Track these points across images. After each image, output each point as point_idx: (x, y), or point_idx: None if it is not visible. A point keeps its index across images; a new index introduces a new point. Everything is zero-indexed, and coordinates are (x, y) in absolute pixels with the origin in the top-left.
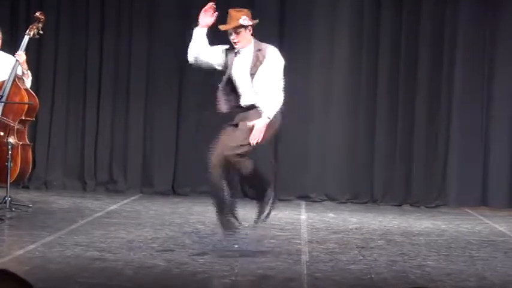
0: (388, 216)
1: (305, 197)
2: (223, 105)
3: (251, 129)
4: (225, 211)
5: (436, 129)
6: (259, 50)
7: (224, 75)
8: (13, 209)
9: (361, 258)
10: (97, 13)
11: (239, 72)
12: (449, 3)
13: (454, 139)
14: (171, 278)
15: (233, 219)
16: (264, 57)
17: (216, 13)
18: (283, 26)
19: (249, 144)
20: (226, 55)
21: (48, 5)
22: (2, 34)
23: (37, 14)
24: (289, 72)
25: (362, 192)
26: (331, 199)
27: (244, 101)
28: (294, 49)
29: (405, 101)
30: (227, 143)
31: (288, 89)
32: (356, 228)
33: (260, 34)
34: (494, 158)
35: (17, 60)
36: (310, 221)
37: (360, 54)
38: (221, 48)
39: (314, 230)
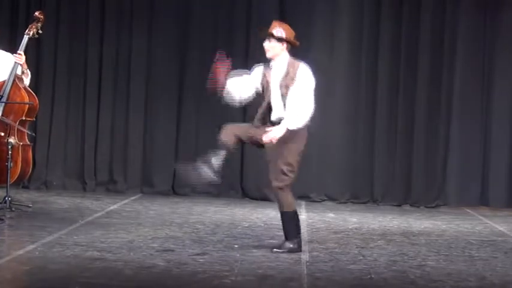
0: (388, 216)
1: (305, 197)
2: (256, 120)
3: (292, 152)
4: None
5: (436, 129)
6: (292, 66)
7: (264, 91)
8: (13, 209)
9: (361, 258)
10: (97, 13)
11: (273, 85)
12: (449, 4)
13: (454, 139)
14: (171, 278)
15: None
16: (295, 74)
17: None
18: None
19: (293, 171)
20: (264, 72)
21: (48, 5)
22: None
23: (36, 13)
24: None
25: (362, 192)
26: (331, 199)
27: (274, 115)
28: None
29: (405, 101)
30: (275, 164)
31: None
32: (356, 228)
33: (259, 39)
34: (494, 158)
35: (15, 62)
36: (310, 221)
37: (360, 55)
38: (258, 69)
39: (314, 230)
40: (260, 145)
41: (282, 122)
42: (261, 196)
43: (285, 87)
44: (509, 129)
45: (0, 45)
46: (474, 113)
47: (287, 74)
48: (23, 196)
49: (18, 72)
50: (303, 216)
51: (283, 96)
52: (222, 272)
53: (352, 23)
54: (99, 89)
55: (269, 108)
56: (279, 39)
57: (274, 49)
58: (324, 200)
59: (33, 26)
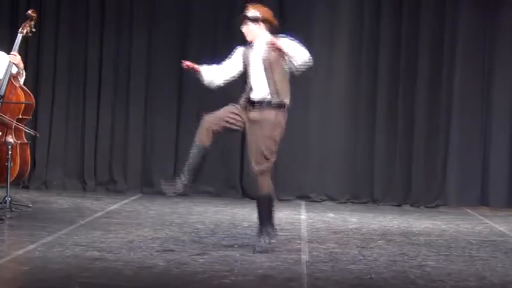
0: (388, 216)
1: (305, 197)
2: (241, 100)
3: (274, 138)
4: (190, 169)
5: (436, 129)
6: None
7: (246, 72)
8: (13, 209)
9: (361, 258)
10: (97, 13)
11: (254, 63)
12: (449, 3)
13: (454, 139)
14: (171, 278)
15: (180, 181)
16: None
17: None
18: (283, 26)
19: (273, 156)
20: (244, 54)
21: (49, 5)
22: None
23: (29, 12)
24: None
25: (362, 192)
26: (331, 199)
27: (255, 95)
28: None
29: (405, 101)
30: (256, 147)
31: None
32: (356, 228)
33: None
34: (494, 158)
35: (10, 61)
36: (310, 221)
37: (360, 55)
38: (239, 50)
39: (314, 230)
40: (235, 130)
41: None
42: None
43: (267, 59)
44: (509, 129)
45: (0, 45)
46: (474, 113)
47: (268, 50)
48: (23, 196)
49: (13, 71)
50: (303, 216)
51: (267, 70)
52: (222, 272)
53: (352, 23)
54: (99, 89)
55: (251, 89)
56: (255, 20)
57: (252, 31)
58: (324, 200)
59: (27, 25)
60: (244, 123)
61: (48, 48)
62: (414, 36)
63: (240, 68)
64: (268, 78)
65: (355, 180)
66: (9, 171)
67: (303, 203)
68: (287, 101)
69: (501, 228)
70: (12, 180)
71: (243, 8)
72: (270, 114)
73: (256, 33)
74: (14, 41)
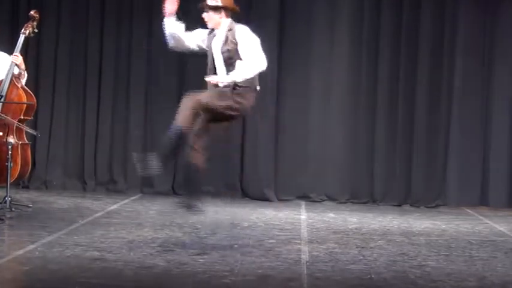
0: (388, 216)
1: (305, 197)
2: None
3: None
4: (167, 154)
5: (436, 129)
6: (230, 29)
7: (207, 57)
8: (13, 209)
9: (361, 258)
10: (97, 13)
11: (215, 52)
12: (449, 1)
13: (454, 139)
14: (171, 278)
15: (158, 165)
16: (234, 37)
17: None
18: (283, 25)
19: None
20: (208, 37)
21: (48, 5)
22: None
23: (32, 12)
24: (289, 72)
25: (362, 192)
26: (331, 199)
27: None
28: (293, 49)
29: (405, 101)
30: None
31: (288, 89)
32: (356, 228)
33: (260, 33)
34: (494, 158)
35: (12, 62)
36: (310, 221)
37: (360, 54)
38: (202, 31)
39: (314, 230)
40: (213, 119)
41: (230, 73)
42: (261, 196)
43: (227, 51)
44: (509, 129)
45: (1, 45)
46: (474, 113)
47: (226, 39)
48: (23, 196)
49: (15, 72)
50: (303, 216)
51: (226, 61)
52: (222, 272)
53: (352, 21)
54: (99, 89)
55: (215, 73)
56: (215, 8)
57: (212, 19)
58: (324, 200)
59: (29, 25)
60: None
61: (48, 48)
62: (414, 34)
63: (203, 47)
64: (228, 71)
65: (355, 181)
66: (9, 171)
67: (303, 203)
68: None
69: (501, 228)
70: (13, 181)
71: None
72: (238, 95)
73: (218, 21)
74: (16, 41)
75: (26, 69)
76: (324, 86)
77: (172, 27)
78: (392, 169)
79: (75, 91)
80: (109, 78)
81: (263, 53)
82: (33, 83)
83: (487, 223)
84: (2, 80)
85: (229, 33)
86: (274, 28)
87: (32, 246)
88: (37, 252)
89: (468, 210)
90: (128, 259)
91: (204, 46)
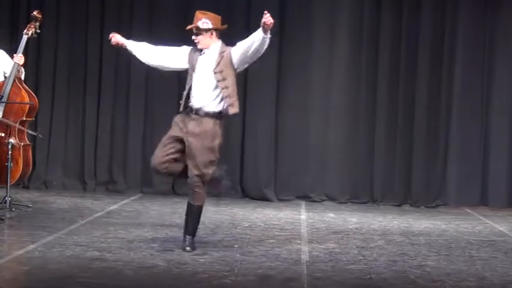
0: (388, 216)
1: (305, 197)
2: (180, 108)
3: (213, 148)
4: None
5: (435, 129)
6: (223, 51)
7: (188, 75)
8: (13, 209)
9: (361, 258)
10: (97, 13)
11: (203, 71)
12: (449, 2)
13: (454, 139)
14: (171, 278)
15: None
16: (230, 55)
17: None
18: (283, 25)
19: (213, 165)
20: (191, 55)
21: (48, 5)
22: None
23: (34, 13)
24: (289, 72)
25: (362, 192)
26: (331, 199)
27: (196, 103)
28: (293, 49)
29: (405, 101)
30: (197, 158)
31: (288, 89)
32: (356, 228)
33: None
34: (494, 157)
35: (16, 63)
36: (310, 221)
37: (360, 55)
38: (185, 49)
39: (314, 230)
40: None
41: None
42: (261, 196)
43: (220, 72)
44: (509, 129)
45: (1, 45)
46: (474, 112)
47: (220, 59)
48: (23, 196)
49: (18, 73)
50: (303, 216)
51: (219, 81)
52: (222, 272)
53: (352, 21)
54: (99, 89)
55: (192, 95)
56: (207, 30)
57: (204, 41)
58: (324, 200)
59: (32, 26)
60: (183, 139)
61: (48, 48)
62: (414, 34)
63: (184, 66)
64: (221, 89)
65: (355, 181)
66: (9, 171)
67: (303, 203)
68: (232, 109)
69: (501, 228)
70: (14, 182)
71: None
72: (208, 125)
73: (209, 42)
74: (15, 41)
75: (23, 66)
76: (324, 86)
77: (134, 50)
78: (392, 169)
79: (75, 91)
80: (109, 78)
81: None
82: (33, 83)
83: (487, 223)
84: (4, 81)
85: (225, 53)
86: (274, 28)
87: (32, 246)
88: (37, 252)
89: (468, 210)
90: (127, 259)
91: (185, 64)
